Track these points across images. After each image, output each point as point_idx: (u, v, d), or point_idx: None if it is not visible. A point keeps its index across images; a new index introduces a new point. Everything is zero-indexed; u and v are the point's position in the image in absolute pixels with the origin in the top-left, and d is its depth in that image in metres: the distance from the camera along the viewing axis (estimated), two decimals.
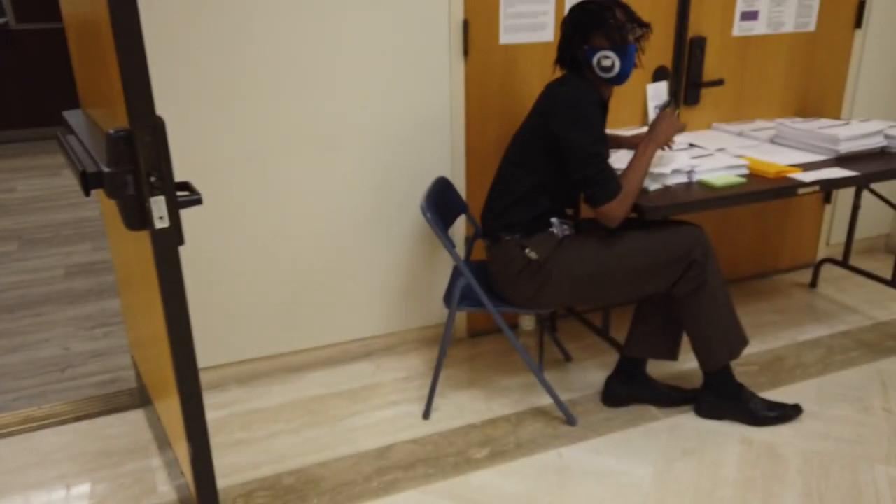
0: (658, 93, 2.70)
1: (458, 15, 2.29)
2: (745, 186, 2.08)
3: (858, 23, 2.95)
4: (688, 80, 2.72)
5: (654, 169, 2.09)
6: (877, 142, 2.37)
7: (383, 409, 2.27)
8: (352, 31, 2.19)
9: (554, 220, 2.05)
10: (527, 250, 2.00)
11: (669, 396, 2.24)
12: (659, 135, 2.03)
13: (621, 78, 1.98)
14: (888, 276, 2.83)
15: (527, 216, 2.03)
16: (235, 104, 2.14)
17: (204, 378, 2.39)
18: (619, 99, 2.65)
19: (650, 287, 2.02)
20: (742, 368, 2.46)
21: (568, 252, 2.00)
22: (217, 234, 2.25)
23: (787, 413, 2.13)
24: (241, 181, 2.22)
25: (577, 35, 1.96)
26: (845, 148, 2.32)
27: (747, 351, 2.57)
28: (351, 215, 2.40)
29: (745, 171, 2.19)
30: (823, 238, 3.30)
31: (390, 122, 2.34)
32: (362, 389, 2.39)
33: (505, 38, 2.38)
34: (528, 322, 2.58)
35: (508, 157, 2.08)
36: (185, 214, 2.19)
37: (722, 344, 2.06)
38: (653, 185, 2.10)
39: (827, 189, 2.15)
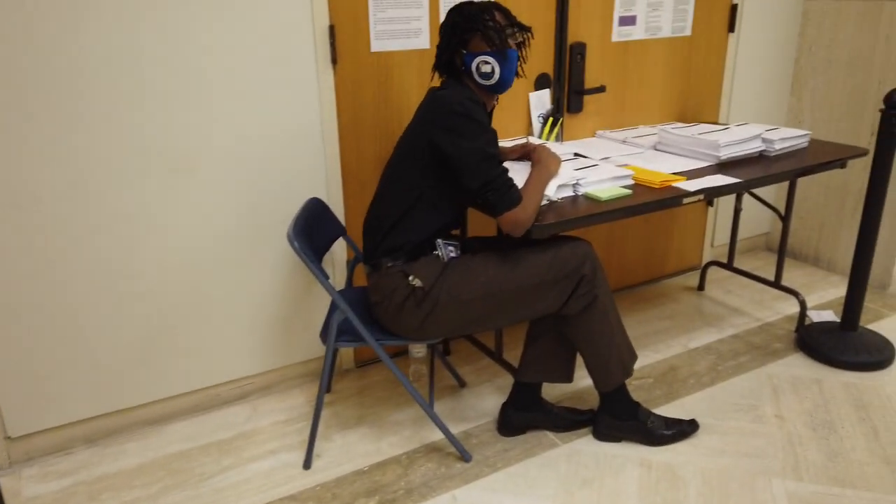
0: (541, 101, 2.60)
1: (323, 20, 2.09)
2: (632, 198, 2.00)
3: (731, 27, 2.98)
4: (570, 87, 2.64)
5: None
6: (755, 146, 2.37)
7: (259, 461, 2.03)
8: (201, 37, 1.94)
9: (439, 242, 1.89)
10: (410, 277, 1.82)
11: (567, 420, 2.13)
12: (551, 167, 1.93)
13: (502, 85, 1.85)
14: (770, 275, 2.87)
15: (410, 239, 1.85)
16: (56, 122, 1.83)
17: (42, 441, 2.05)
18: (503, 108, 2.53)
19: (541, 307, 1.89)
20: (637, 382, 2.39)
21: (454, 276, 1.84)
22: (46, 274, 1.93)
23: (683, 430, 2.07)
24: (69, 213, 1.92)
25: (454, 38, 1.81)
26: (726, 154, 2.30)
27: (641, 362, 2.52)
28: (212, 245, 2.14)
29: (631, 182, 2.11)
30: (708, 240, 3.34)
31: (253, 138, 2.10)
32: (235, 439, 2.13)
33: (377, 46, 2.19)
34: (418, 348, 2.41)
35: (387, 174, 1.89)
36: (9, 251, 1.86)
37: (616, 362, 1.97)
38: None
39: (711, 197, 2.11)
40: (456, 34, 1.80)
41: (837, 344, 2.50)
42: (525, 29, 1.85)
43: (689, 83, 2.96)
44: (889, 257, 3.02)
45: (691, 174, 2.21)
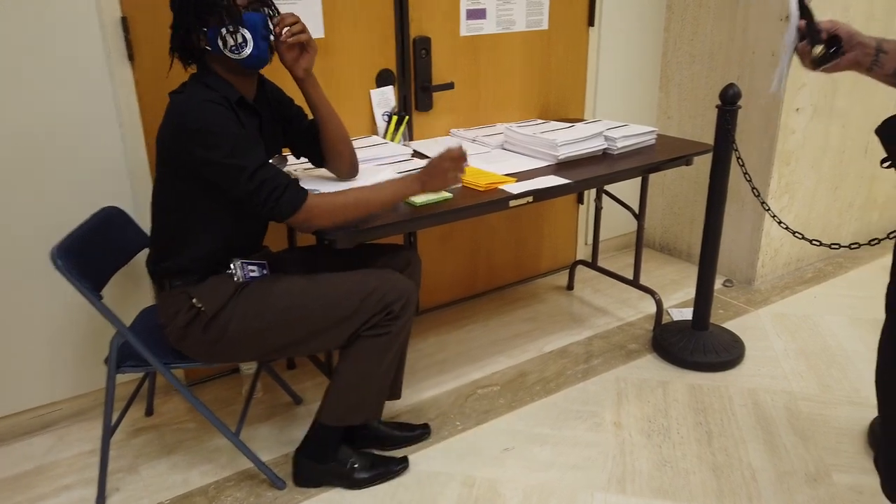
0: (384, 99, 2.47)
1: (114, 12, 1.90)
2: (450, 202, 1.88)
3: (591, 20, 2.91)
4: (416, 84, 2.52)
5: (346, 185, 1.83)
6: (597, 144, 2.30)
7: (49, 499, 1.84)
8: None
9: (236, 262, 1.70)
10: (194, 300, 1.66)
11: (396, 437, 2.01)
12: (429, 180, 1.71)
13: (258, 57, 1.58)
14: (641, 271, 2.80)
15: (193, 257, 1.66)
16: None
17: None
18: (343, 107, 2.39)
19: (345, 334, 1.71)
20: (483, 390, 2.30)
21: (248, 301, 1.66)
22: None
23: (390, 470, 1.88)
24: None
25: (188, 18, 1.54)
26: (564, 153, 2.21)
27: (492, 369, 2.43)
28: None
29: (457, 185, 2.00)
30: (581, 238, 3.28)
31: (34, 144, 1.89)
32: (28, 475, 1.94)
33: None
34: (248, 365, 2.26)
35: (155, 180, 1.67)
36: None
37: (363, 404, 1.79)
38: None
39: (540, 199, 2.02)
40: (188, 14, 1.54)
41: (688, 344, 2.46)
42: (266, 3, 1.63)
43: (549, 79, 2.88)
44: (753, 252, 3.02)
45: (527, 175, 2.12)
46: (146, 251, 1.96)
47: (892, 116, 1.13)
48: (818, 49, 1.25)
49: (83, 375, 2.15)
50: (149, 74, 2.00)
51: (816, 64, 1.26)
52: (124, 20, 1.91)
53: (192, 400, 1.76)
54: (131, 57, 1.95)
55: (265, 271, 1.76)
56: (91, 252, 1.72)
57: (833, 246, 2.02)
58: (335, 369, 1.77)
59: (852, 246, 1.99)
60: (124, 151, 2.02)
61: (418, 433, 2.03)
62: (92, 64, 1.91)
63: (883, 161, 1.15)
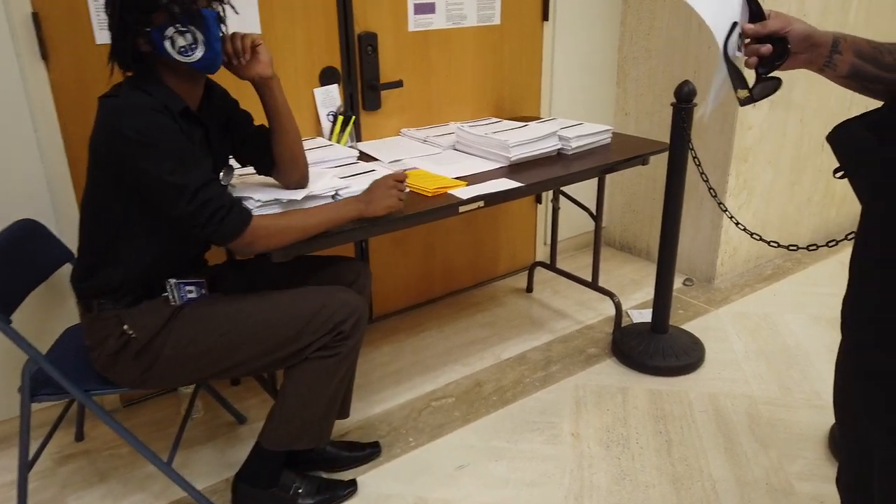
0: (329, 97, 2.35)
1: (24, 7, 1.74)
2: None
3: (545, 15, 2.82)
4: (363, 82, 2.40)
5: (286, 196, 1.71)
6: (551, 144, 2.21)
7: None
8: None
9: (171, 282, 1.56)
10: (125, 327, 1.52)
11: (344, 459, 1.91)
12: (371, 202, 1.64)
13: (210, 59, 1.44)
14: (601, 272, 2.73)
15: (124, 277, 1.51)
16: None
17: None
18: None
19: (290, 356, 1.60)
20: (437, 403, 2.20)
21: (184, 326, 1.53)
22: None
23: (336, 495, 1.77)
24: None
25: (130, 19, 1.39)
26: (516, 154, 2.12)
27: (447, 379, 2.34)
28: None
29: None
30: (540, 238, 3.20)
31: None
32: None
33: (103, 38, 1.87)
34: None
35: (86, 189, 1.52)
36: None
37: (309, 429, 1.66)
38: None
39: (492, 204, 1.92)
40: (130, 13, 1.39)
41: (647, 347, 2.40)
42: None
43: (503, 75, 2.78)
44: (712, 250, 2.98)
45: (479, 177, 2.02)
46: (69, 266, 1.82)
47: (842, 123, 1.06)
48: (743, 92, 1.11)
49: (3, 400, 1.99)
50: (67, 74, 1.85)
51: (756, 95, 1.11)
52: (35, 16, 1.76)
53: (117, 428, 1.63)
54: (45, 56, 1.80)
55: (203, 291, 1.62)
56: (1, 269, 1.57)
57: (791, 247, 1.97)
58: (280, 391, 1.66)
59: (810, 248, 1.94)
60: (41, 159, 1.86)
61: (368, 453, 1.93)
62: (0, 64, 1.75)
63: (836, 171, 1.07)
